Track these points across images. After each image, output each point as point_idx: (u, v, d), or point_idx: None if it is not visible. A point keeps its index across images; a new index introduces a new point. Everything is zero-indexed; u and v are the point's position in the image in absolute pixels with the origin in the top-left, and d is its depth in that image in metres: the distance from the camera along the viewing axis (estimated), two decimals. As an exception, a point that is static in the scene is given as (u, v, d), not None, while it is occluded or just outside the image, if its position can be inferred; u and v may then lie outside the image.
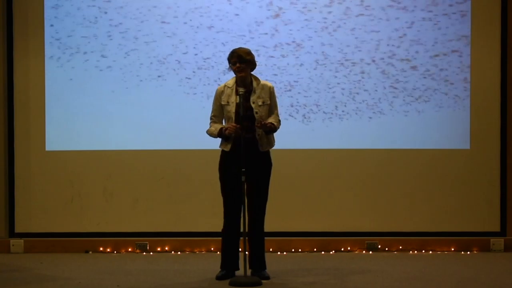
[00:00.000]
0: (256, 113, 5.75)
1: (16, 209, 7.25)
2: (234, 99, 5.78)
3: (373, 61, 7.21)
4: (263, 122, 5.70)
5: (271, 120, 5.81)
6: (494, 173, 7.26)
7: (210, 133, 5.88)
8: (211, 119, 5.90)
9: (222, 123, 5.88)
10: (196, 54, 7.20)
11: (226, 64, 5.89)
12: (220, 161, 5.86)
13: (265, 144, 5.80)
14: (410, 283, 5.79)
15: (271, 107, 5.84)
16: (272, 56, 7.19)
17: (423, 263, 6.64)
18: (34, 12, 7.21)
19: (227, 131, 5.70)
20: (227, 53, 5.84)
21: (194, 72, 7.22)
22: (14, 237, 7.26)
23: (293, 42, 7.19)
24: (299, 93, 7.21)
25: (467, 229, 7.27)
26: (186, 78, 7.21)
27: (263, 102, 5.80)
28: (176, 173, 7.24)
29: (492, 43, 7.22)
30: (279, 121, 5.87)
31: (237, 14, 7.17)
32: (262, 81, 5.88)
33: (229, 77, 5.96)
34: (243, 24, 7.17)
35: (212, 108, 5.90)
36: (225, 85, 5.87)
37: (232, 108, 5.77)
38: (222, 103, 5.82)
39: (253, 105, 5.76)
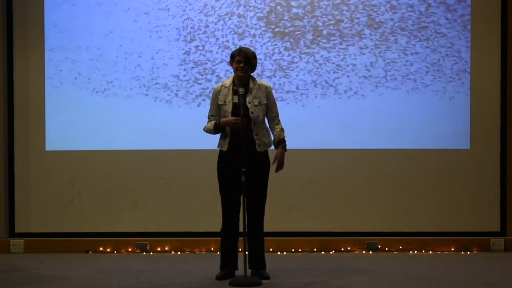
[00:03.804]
0: (252, 113, 5.74)
1: (16, 209, 7.25)
2: (230, 99, 5.78)
3: (373, 61, 7.21)
4: (278, 164, 5.82)
5: (277, 133, 5.84)
6: (494, 173, 7.26)
7: (206, 130, 5.88)
8: (208, 118, 5.90)
9: None
10: (196, 54, 7.22)
11: (227, 64, 5.88)
12: (218, 161, 5.86)
13: (263, 145, 5.80)
14: (410, 283, 5.79)
15: (270, 107, 5.84)
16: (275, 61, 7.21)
17: (423, 263, 6.64)
18: (34, 12, 7.20)
19: (228, 122, 5.70)
20: (226, 53, 5.82)
21: (194, 71, 7.22)
22: (14, 237, 7.26)
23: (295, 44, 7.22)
24: (298, 92, 7.21)
25: (467, 229, 7.27)
26: (187, 78, 7.21)
27: (259, 102, 5.79)
28: (176, 173, 7.24)
29: (492, 43, 7.22)
30: (282, 129, 5.87)
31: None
32: (259, 81, 5.87)
33: (226, 77, 5.96)
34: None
35: (210, 108, 5.91)
36: (222, 85, 5.87)
37: (228, 108, 5.77)
38: (219, 102, 5.82)
39: (248, 105, 5.75)
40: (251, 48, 6.03)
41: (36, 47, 7.21)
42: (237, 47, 6.15)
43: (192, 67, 7.22)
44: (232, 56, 5.82)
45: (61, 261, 6.77)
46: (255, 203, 5.79)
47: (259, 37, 7.19)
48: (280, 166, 5.86)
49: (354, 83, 7.22)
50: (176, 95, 7.21)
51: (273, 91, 5.96)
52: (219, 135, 5.85)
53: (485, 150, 7.26)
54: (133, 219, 7.24)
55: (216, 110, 5.86)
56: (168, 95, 7.21)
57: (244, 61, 5.75)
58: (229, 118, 5.74)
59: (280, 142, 5.87)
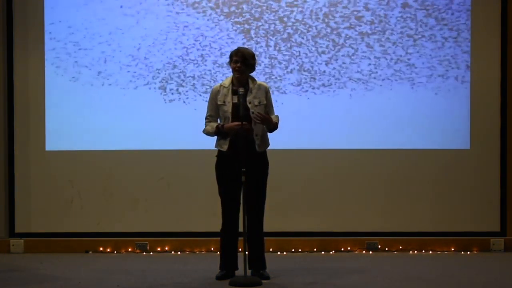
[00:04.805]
0: (252, 113, 5.74)
1: (16, 209, 7.25)
2: (230, 99, 5.77)
3: (373, 61, 7.21)
4: (261, 115, 5.64)
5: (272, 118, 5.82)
6: (494, 173, 7.26)
7: (206, 132, 5.87)
8: (206, 118, 5.88)
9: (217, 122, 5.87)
10: (194, 55, 7.22)
11: (225, 64, 5.88)
12: (217, 161, 5.85)
13: (262, 144, 5.80)
14: (410, 283, 5.79)
15: (268, 107, 5.84)
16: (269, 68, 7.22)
17: (423, 263, 6.64)
18: (34, 12, 7.21)
19: (232, 128, 5.67)
20: (222, 53, 5.80)
21: (193, 72, 7.22)
22: (14, 237, 7.26)
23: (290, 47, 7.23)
24: (299, 92, 7.22)
25: (467, 229, 7.27)
26: (186, 77, 7.22)
27: (259, 102, 5.79)
28: (176, 173, 7.24)
29: (492, 43, 7.22)
30: (277, 116, 5.87)
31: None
32: (258, 82, 5.87)
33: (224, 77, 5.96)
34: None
35: (208, 108, 5.89)
36: (221, 85, 5.86)
37: (228, 108, 5.77)
38: (218, 103, 5.81)
39: (249, 105, 5.75)
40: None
41: (36, 47, 7.21)
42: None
43: (193, 68, 7.22)
44: (230, 56, 5.82)
45: (61, 261, 6.77)
46: (255, 203, 5.79)
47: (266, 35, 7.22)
48: (263, 118, 5.66)
49: (354, 83, 7.22)
50: (177, 95, 7.21)
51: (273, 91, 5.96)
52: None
53: (485, 150, 7.26)
54: (133, 219, 7.24)
55: (214, 110, 5.85)
56: (168, 95, 7.22)
57: (241, 61, 5.74)
58: (233, 124, 5.71)
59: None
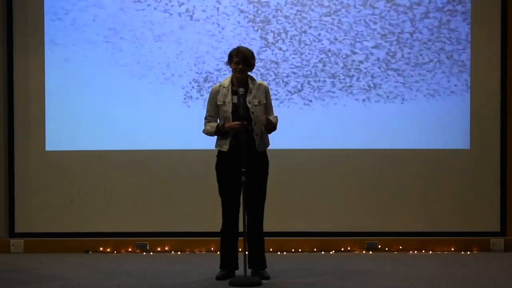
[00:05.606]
0: (253, 113, 5.74)
1: (16, 209, 7.25)
2: (230, 99, 5.77)
3: (372, 61, 7.21)
4: (266, 118, 5.65)
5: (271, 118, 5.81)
6: (494, 173, 7.26)
7: (206, 132, 5.87)
8: (206, 119, 5.88)
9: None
10: (196, 55, 7.22)
11: (223, 64, 5.87)
12: (217, 161, 5.85)
13: (262, 144, 5.79)
14: (410, 283, 5.79)
15: (267, 107, 5.83)
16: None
17: (423, 263, 6.64)
18: (34, 12, 7.20)
19: (233, 127, 5.67)
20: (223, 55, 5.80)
21: (194, 72, 7.22)
22: (14, 237, 7.26)
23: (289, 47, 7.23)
24: (300, 92, 7.22)
25: (467, 229, 7.27)
26: (187, 78, 7.22)
27: (259, 102, 5.78)
28: (176, 173, 7.24)
29: (492, 43, 7.22)
30: (275, 117, 5.87)
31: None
32: (258, 81, 5.86)
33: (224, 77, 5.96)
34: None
35: (207, 108, 5.89)
36: (220, 85, 5.86)
37: (228, 108, 5.76)
38: (218, 103, 5.80)
39: (249, 105, 5.75)
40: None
41: (36, 47, 7.20)
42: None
43: (192, 68, 7.22)
44: (230, 56, 5.80)
45: (61, 261, 6.77)
46: (255, 203, 5.79)
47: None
48: (268, 122, 5.68)
49: (354, 83, 7.22)
50: (177, 95, 7.21)
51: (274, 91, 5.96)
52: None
53: (485, 150, 7.26)
54: (133, 219, 7.24)
55: (214, 110, 5.84)
56: (169, 95, 7.21)
57: (242, 61, 5.73)
58: (234, 123, 5.71)
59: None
